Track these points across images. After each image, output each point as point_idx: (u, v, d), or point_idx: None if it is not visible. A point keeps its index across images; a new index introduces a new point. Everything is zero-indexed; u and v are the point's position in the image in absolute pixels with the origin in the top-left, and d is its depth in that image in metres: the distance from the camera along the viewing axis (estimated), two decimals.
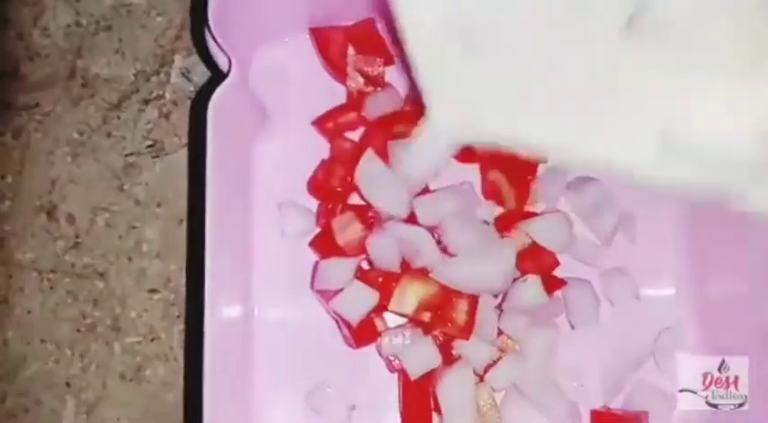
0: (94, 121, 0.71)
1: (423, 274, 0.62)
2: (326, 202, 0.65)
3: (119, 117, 0.71)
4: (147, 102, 0.71)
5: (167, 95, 0.71)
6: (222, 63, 0.60)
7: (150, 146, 0.71)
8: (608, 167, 0.45)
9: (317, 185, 0.66)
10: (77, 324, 0.68)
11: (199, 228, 0.56)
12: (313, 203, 0.66)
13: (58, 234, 0.69)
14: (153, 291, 0.68)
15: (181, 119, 0.71)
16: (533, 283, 0.61)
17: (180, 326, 0.68)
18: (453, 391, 0.59)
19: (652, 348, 0.64)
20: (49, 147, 0.70)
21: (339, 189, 0.65)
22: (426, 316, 0.61)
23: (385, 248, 0.61)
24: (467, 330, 0.60)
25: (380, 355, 0.63)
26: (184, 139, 0.71)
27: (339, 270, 0.62)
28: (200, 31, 0.61)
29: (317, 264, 0.64)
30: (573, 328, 0.64)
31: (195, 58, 0.72)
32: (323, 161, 0.66)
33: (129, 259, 0.69)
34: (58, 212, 0.69)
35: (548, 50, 0.43)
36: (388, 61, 0.68)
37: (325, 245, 0.64)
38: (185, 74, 0.72)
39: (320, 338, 0.64)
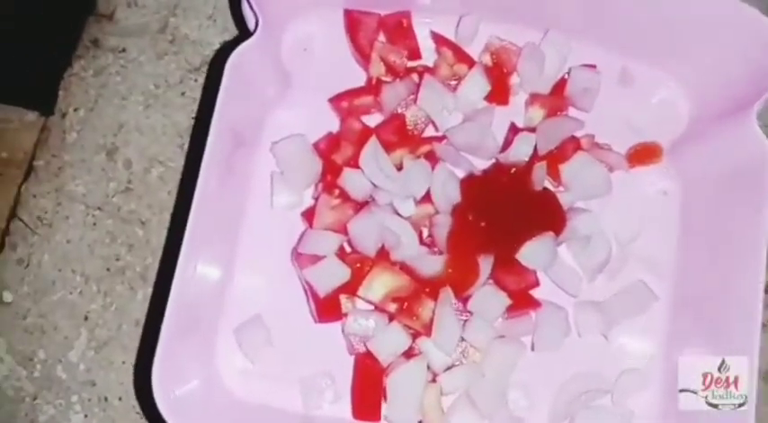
0: (172, 78, 0.74)
1: (396, 266, 0.62)
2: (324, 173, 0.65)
3: (195, 80, 0.74)
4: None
5: None
6: (250, 23, 0.61)
7: None
8: None
9: (318, 153, 0.66)
10: (109, 264, 0.70)
11: (191, 184, 0.56)
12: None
13: (113, 175, 0.72)
14: None
15: None
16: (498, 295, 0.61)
17: None
18: (404, 383, 0.59)
19: (610, 386, 0.62)
20: (125, 92, 0.73)
21: (338, 162, 0.65)
22: (392, 307, 0.61)
23: (365, 232, 0.62)
24: (430, 327, 0.60)
25: (343, 334, 0.62)
26: None
27: (324, 240, 0.62)
28: None
29: (305, 232, 0.64)
30: (533, 349, 0.63)
31: None
32: (330, 133, 0.67)
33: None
34: (118, 155, 0.72)
35: None
36: (414, 56, 0.68)
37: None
38: None
39: (289, 310, 0.64)
